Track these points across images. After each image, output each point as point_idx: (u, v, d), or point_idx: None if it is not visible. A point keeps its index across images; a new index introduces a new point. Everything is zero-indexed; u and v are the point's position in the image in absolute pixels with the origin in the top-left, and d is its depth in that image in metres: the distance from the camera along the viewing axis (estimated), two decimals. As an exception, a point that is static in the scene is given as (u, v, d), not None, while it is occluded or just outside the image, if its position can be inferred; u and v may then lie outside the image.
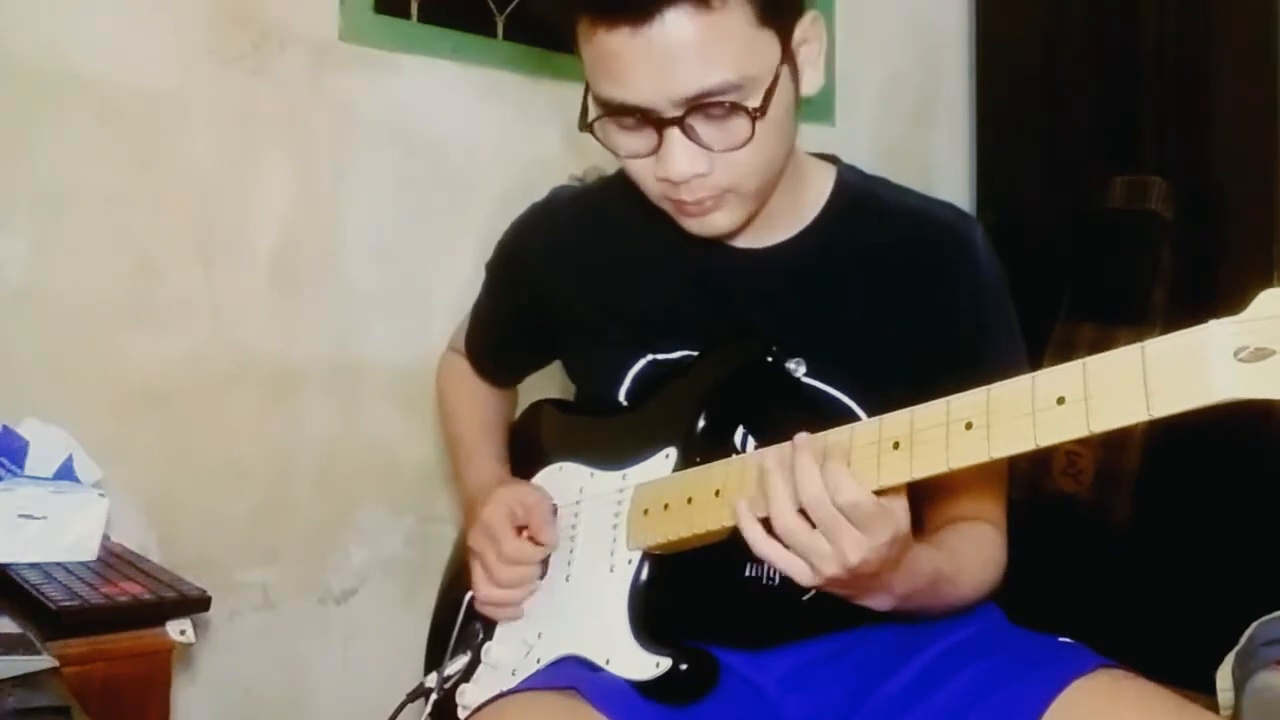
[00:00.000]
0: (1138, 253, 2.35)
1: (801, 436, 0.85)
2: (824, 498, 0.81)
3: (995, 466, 1.05)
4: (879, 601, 0.91)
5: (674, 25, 0.86)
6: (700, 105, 0.89)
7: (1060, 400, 0.73)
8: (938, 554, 0.95)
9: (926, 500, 1.03)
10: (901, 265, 1.04)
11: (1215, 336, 0.67)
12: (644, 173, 0.95)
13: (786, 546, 0.84)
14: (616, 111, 0.92)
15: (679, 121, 0.89)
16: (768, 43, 0.90)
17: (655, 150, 0.92)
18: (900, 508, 0.84)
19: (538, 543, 1.07)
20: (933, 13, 2.74)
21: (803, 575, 0.85)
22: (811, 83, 0.97)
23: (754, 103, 0.89)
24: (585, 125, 0.95)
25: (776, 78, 0.91)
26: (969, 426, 0.78)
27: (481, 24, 2.08)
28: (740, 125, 0.90)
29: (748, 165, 0.93)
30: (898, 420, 0.83)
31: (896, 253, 1.04)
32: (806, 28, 0.95)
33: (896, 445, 0.82)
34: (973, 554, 1.01)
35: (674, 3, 0.85)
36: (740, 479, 0.92)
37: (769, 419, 0.99)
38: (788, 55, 0.92)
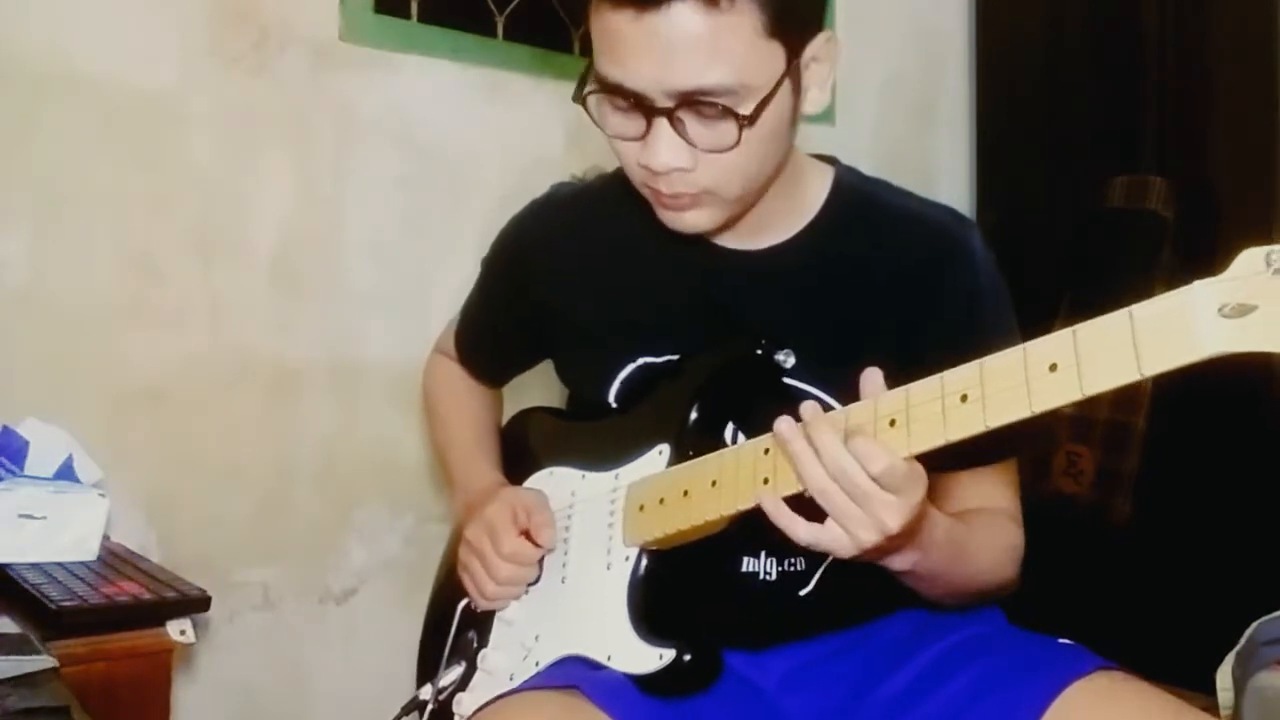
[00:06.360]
0: (1138, 253, 2.35)
1: (807, 408, 0.85)
2: (854, 468, 0.81)
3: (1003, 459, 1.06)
4: (900, 560, 0.90)
5: (679, 18, 0.86)
6: (693, 101, 0.89)
7: (1053, 367, 0.74)
8: (952, 519, 0.95)
9: (939, 496, 1.02)
10: (898, 268, 1.03)
11: (1200, 296, 0.68)
12: (629, 156, 0.96)
13: (820, 516, 0.83)
14: (612, 90, 0.92)
15: (669, 113, 0.90)
16: (773, 54, 0.90)
17: (642, 136, 0.93)
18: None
19: (536, 544, 1.07)
20: (933, 13, 2.75)
21: (841, 544, 0.84)
22: (815, 102, 0.97)
23: (745, 110, 0.89)
24: (579, 97, 0.96)
25: (774, 91, 0.90)
26: (964, 399, 0.79)
27: (481, 24, 2.08)
28: (728, 130, 0.90)
29: (731, 170, 0.93)
30: (893, 398, 0.83)
31: (893, 255, 1.04)
32: (820, 47, 0.95)
33: (893, 423, 0.82)
34: (988, 534, 1.01)
35: None
36: (736, 469, 0.92)
37: (759, 416, 0.99)
38: (792, 70, 0.92)
